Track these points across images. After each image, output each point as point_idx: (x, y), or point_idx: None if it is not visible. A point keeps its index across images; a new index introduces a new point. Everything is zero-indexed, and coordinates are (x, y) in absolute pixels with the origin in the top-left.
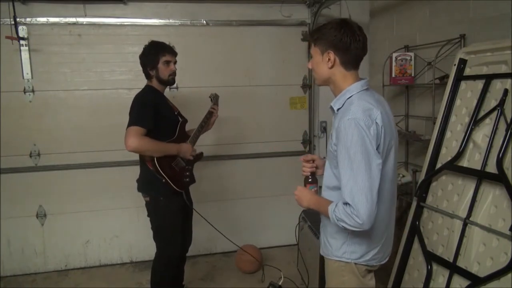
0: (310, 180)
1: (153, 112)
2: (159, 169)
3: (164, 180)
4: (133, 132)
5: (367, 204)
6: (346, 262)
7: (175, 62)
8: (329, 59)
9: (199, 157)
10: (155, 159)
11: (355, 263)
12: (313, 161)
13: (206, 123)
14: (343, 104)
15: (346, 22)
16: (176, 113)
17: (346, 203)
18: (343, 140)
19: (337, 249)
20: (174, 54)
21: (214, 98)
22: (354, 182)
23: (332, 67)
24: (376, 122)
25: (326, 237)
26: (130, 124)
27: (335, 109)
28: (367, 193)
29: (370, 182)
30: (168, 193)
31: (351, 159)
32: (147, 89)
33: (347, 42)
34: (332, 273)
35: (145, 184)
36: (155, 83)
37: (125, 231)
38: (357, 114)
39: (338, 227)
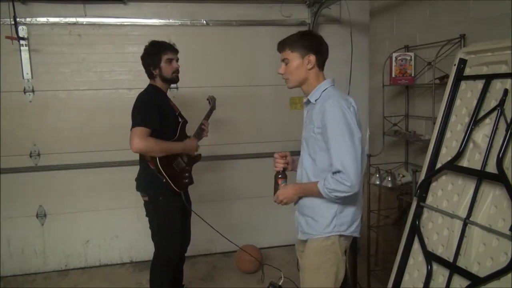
0: (280, 175)
1: (158, 112)
2: (161, 168)
3: (164, 180)
4: (139, 133)
5: (354, 167)
6: (332, 241)
7: (177, 60)
8: (309, 62)
9: (197, 158)
10: (157, 158)
11: (340, 236)
12: (286, 157)
13: (202, 128)
14: (320, 96)
15: (313, 32)
16: (177, 113)
17: (334, 172)
18: (330, 119)
19: (327, 225)
20: (176, 51)
21: (212, 101)
22: (343, 151)
23: (311, 68)
24: (353, 106)
25: (313, 217)
26: (135, 124)
27: (313, 100)
28: (353, 159)
29: (355, 150)
30: (167, 193)
31: (338, 133)
32: (151, 89)
33: (321, 46)
34: (315, 253)
35: (144, 184)
36: (158, 83)
37: (125, 231)
38: (338, 99)
39: (327, 204)
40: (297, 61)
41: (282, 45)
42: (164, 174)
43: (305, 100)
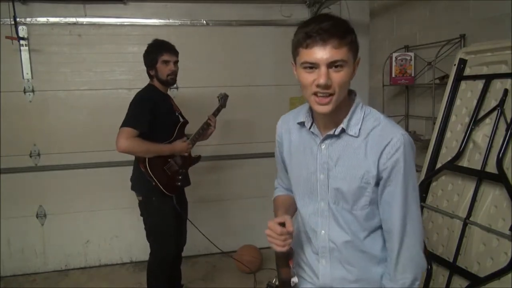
0: (289, 255)
1: (150, 113)
2: (150, 172)
3: (154, 184)
4: (124, 133)
5: (423, 235)
6: None
7: (175, 62)
8: (355, 69)
9: (196, 160)
10: (146, 162)
11: None
12: (285, 224)
13: (202, 133)
14: (361, 122)
15: None
16: (177, 113)
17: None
18: (400, 167)
19: (379, 274)
20: (174, 53)
21: (222, 99)
22: (413, 217)
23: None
24: None
25: (371, 268)
26: (123, 124)
27: (352, 131)
28: (421, 221)
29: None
30: (160, 194)
31: (409, 190)
32: (148, 88)
33: None
34: None
35: (138, 184)
36: (156, 83)
37: (125, 231)
38: (402, 130)
39: (382, 245)
40: (351, 66)
41: (343, 36)
42: (154, 178)
43: (331, 132)
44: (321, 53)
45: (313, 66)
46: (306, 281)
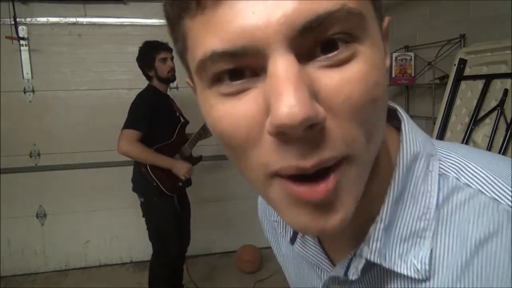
0: None
1: (150, 114)
2: (150, 172)
3: (155, 184)
4: (127, 136)
5: None
6: None
7: (172, 58)
8: (386, 50)
9: (197, 160)
10: None
11: None
12: None
13: (205, 130)
14: (432, 230)
15: None
16: (178, 113)
17: None
18: None
19: None
20: (169, 50)
21: None
22: None
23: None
24: None
25: None
26: (125, 126)
27: (413, 265)
28: None
29: None
30: (162, 194)
31: None
32: (148, 89)
33: None
34: None
35: (139, 185)
36: (156, 83)
37: (125, 231)
38: None
39: None
40: (379, 42)
41: None
42: (154, 178)
43: (340, 271)
44: (259, 5)
45: (240, 66)
46: None
